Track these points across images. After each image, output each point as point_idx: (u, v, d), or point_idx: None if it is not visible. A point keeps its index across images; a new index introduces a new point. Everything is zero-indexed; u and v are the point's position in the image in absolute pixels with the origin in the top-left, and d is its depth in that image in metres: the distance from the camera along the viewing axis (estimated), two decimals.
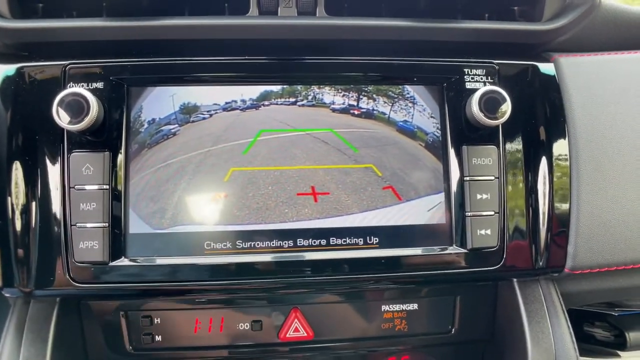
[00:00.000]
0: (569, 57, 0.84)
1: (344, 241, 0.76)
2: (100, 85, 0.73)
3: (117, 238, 0.71)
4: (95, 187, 0.71)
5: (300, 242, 0.75)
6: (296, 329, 0.84)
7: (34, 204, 0.71)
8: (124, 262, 0.71)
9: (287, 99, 0.77)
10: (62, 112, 0.67)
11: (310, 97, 0.78)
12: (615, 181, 0.80)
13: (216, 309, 0.82)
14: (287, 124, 0.77)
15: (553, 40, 0.84)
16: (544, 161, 0.80)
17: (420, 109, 0.79)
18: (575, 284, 0.87)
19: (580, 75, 0.82)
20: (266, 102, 0.77)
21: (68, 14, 0.79)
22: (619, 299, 1.09)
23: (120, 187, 0.72)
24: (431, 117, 0.79)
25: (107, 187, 0.71)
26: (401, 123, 0.79)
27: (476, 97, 0.74)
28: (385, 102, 0.79)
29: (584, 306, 1.04)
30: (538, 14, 0.84)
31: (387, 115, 0.79)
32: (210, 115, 0.76)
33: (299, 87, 0.78)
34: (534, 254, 0.80)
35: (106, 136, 0.73)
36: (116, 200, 0.72)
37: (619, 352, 1.00)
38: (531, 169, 0.80)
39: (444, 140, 0.79)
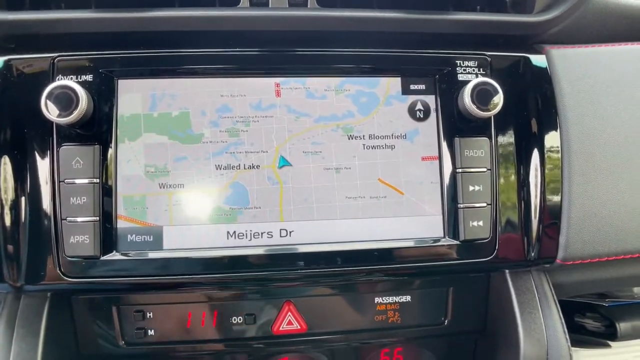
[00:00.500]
0: (561, 49, 0.84)
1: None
2: (89, 77, 0.72)
3: (108, 232, 0.71)
4: (86, 180, 0.70)
5: (292, 234, 0.75)
6: (289, 322, 0.83)
7: (23, 198, 0.70)
8: (115, 256, 0.71)
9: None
10: (51, 105, 0.66)
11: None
12: (606, 172, 0.80)
13: (209, 303, 0.82)
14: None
15: (545, 32, 0.84)
16: (535, 153, 0.80)
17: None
18: (566, 274, 0.87)
19: (572, 67, 0.83)
20: None
21: (56, 5, 0.78)
22: (610, 290, 1.10)
23: (111, 180, 0.71)
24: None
25: (98, 180, 0.70)
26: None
27: (468, 88, 0.74)
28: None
29: (575, 297, 1.05)
30: (530, 6, 0.84)
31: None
32: None
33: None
34: (526, 245, 0.80)
35: (96, 129, 0.72)
36: (107, 194, 0.71)
37: (610, 342, 1.02)
38: (523, 161, 0.80)
39: (437, 133, 0.79)
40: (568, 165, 0.80)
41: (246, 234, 0.74)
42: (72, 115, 0.66)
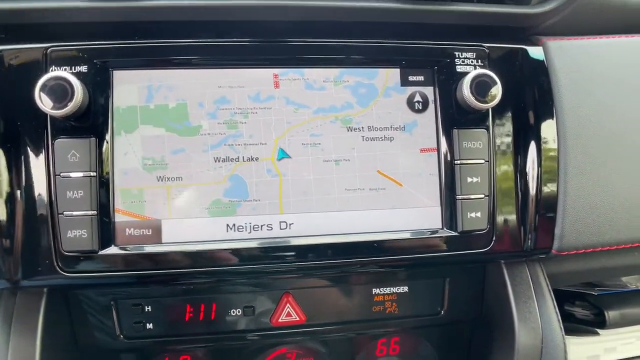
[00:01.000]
0: (557, 41, 0.84)
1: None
2: (83, 69, 0.70)
3: (106, 226, 0.70)
4: (82, 174, 0.69)
5: (291, 226, 0.74)
6: (288, 313, 0.84)
7: (19, 192, 0.69)
8: (113, 250, 0.70)
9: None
10: (44, 97, 0.64)
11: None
12: (602, 164, 0.81)
13: (207, 296, 0.82)
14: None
15: (542, 23, 0.84)
16: (532, 144, 0.81)
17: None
18: (560, 265, 0.89)
19: (569, 59, 0.83)
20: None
21: None
22: (601, 279, 1.12)
23: (108, 174, 0.70)
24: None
25: (94, 174, 0.69)
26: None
27: (467, 80, 0.74)
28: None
29: (566, 286, 1.07)
30: None
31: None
32: None
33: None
34: (522, 236, 0.81)
35: (92, 122, 0.70)
36: (104, 187, 0.70)
37: (598, 330, 1.04)
38: (520, 152, 0.81)
39: (436, 124, 0.79)
40: (564, 156, 0.80)
41: (245, 226, 0.74)
42: (67, 108, 0.64)
